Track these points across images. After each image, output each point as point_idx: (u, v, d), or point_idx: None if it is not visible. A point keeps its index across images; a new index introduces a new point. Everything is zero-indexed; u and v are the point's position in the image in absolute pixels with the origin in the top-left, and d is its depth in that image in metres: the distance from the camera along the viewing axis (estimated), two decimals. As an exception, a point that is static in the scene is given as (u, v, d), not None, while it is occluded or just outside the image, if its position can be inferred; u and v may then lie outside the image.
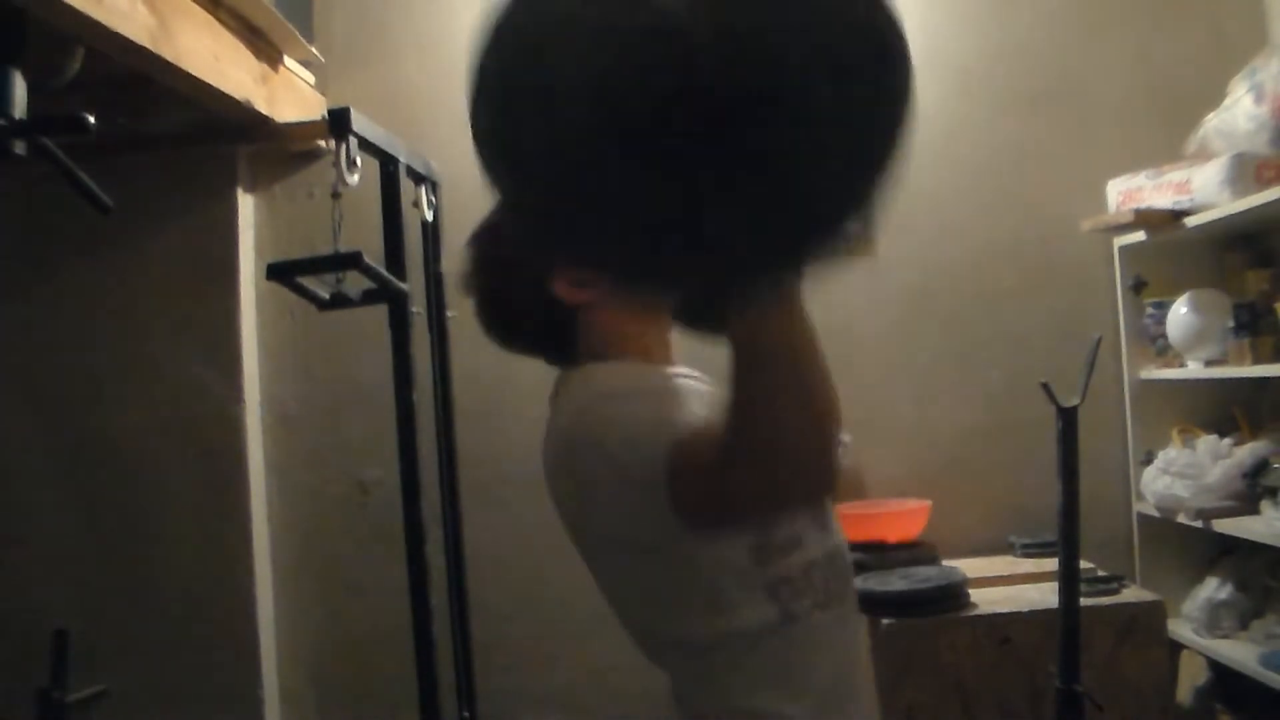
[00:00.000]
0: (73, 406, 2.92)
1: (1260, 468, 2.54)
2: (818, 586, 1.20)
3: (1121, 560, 2.87)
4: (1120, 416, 2.95)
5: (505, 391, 3.00)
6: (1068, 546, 2.07)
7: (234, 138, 2.81)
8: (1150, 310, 2.88)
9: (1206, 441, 2.72)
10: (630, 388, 1.20)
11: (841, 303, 3.02)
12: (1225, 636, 2.61)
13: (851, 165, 0.89)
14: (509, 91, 0.91)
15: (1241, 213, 2.44)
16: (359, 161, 2.34)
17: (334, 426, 3.04)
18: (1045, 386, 2.06)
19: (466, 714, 2.81)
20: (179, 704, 2.79)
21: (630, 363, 1.25)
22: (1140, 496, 2.85)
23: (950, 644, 2.39)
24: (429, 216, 2.79)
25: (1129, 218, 2.73)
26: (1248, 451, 2.61)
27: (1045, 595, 2.38)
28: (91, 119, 1.68)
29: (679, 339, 1.34)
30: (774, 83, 0.85)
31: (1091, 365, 2.07)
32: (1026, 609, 2.41)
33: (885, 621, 2.38)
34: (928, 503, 2.85)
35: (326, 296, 2.43)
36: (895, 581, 2.48)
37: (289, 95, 2.84)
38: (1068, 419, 2.06)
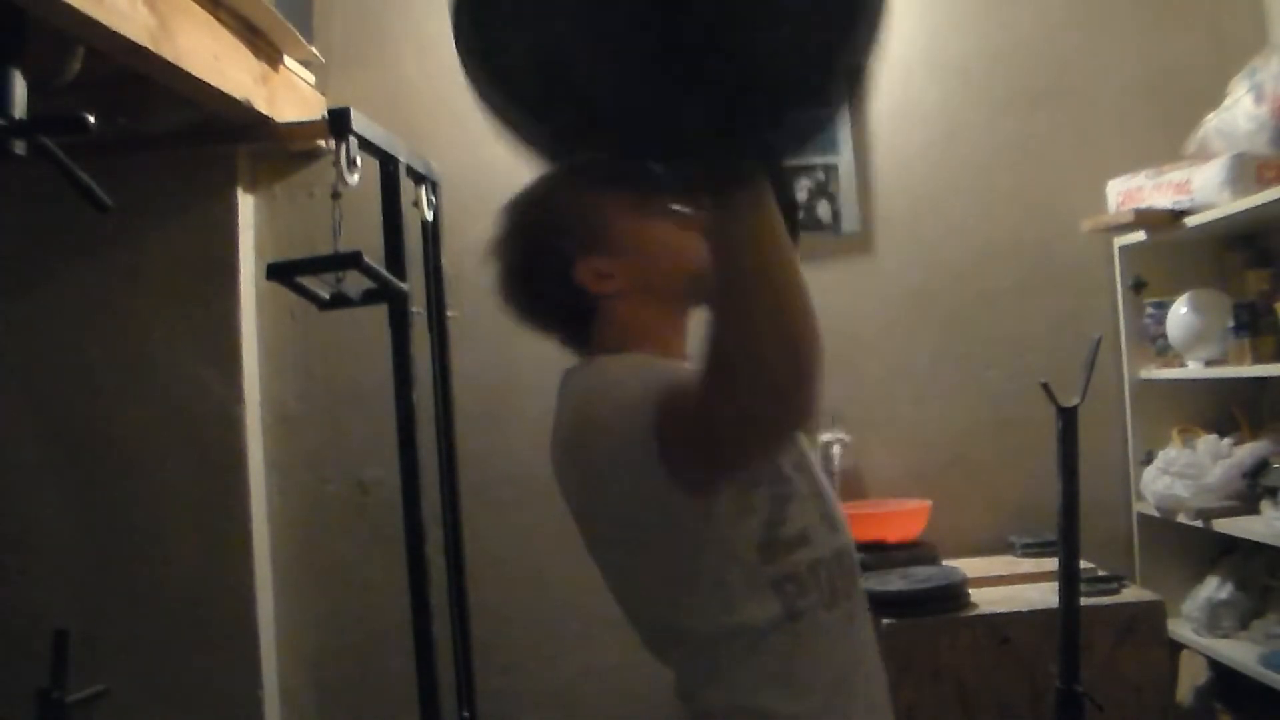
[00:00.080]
0: (72, 406, 2.92)
1: (1260, 468, 2.54)
2: (824, 585, 1.19)
3: (1121, 560, 2.87)
4: (1120, 416, 2.95)
5: (505, 391, 3.01)
6: (1068, 546, 2.07)
7: (234, 138, 2.80)
8: (1150, 310, 2.88)
9: (1206, 441, 2.72)
10: (633, 373, 1.19)
11: (842, 303, 3.03)
12: (1225, 636, 2.61)
13: (815, 44, 0.88)
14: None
15: (1241, 213, 2.44)
16: (359, 161, 2.34)
17: (334, 426, 3.04)
18: (1045, 386, 2.07)
19: (466, 714, 2.81)
20: (179, 704, 2.79)
21: (642, 355, 1.24)
22: (1140, 496, 2.85)
23: (950, 644, 2.39)
24: (429, 216, 2.80)
25: (1129, 218, 2.73)
26: (1248, 451, 2.61)
27: (1045, 595, 2.38)
28: (91, 119, 1.68)
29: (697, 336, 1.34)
30: None
31: (1091, 365, 2.07)
32: (1026, 609, 2.41)
33: (885, 621, 2.38)
34: (928, 503, 2.85)
35: (326, 296, 2.43)
36: (895, 581, 2.48)
37: (289, 95, 2.84)
38: (1068, 419, 2.06)
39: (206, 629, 2.86)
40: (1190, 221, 2.60)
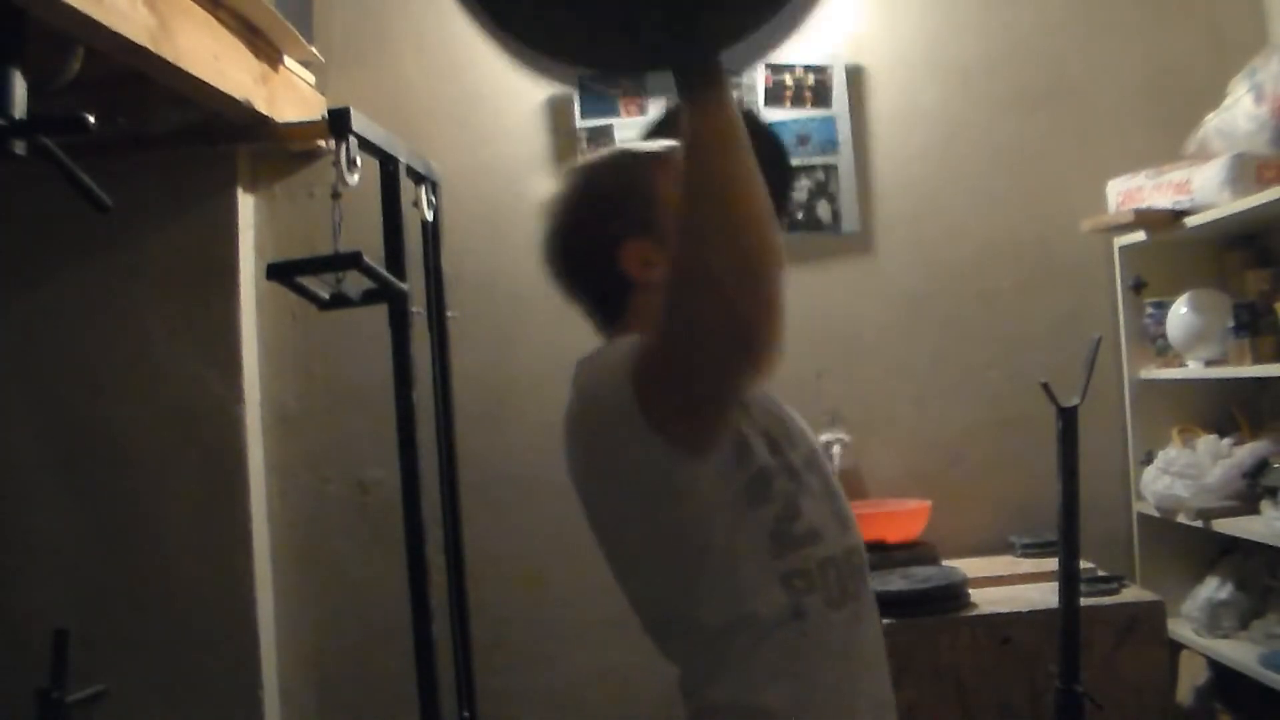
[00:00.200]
0: (73, 406, 2.92)
1: (1260, 468, 2.54)
2: (832, 584, 1.19)
3: (1121, 560, 2.87)
4: (1120, 416, 2.95)
5: (505, 391, 3.01)
6: (1068, 546, 2.07)
7: (234, 138, 2.80)
8: (1150, 310, 2.88)
9: (1206, 441, 2.72)
10: (626, 344, 1.19)
11: (842, 303, 3.03)
12: (1225, 636, 2.61)
13: None
14: None
15: (1241, 213, 2.44)
16: (359, 161, 2.34)
17: (334, 426, 3.04)
18: (1045, 386, 2.06)
19: (466, 714, 2.81)
20: (179, 704, 2.79)
21: None
22: (1140, 496, 2.85)
23: (950, 644, 2.38)
24: (429, 216, 2.80)
25: (1129, 218, 2.73)
26: (1248, 451, 2.61)
27: (1045, 595, 2.38)
28: (91, 119, 1.68)
29: None
30: None
31: (1091, 365, 2.07)
32: (1026, 609, 2.41)
33: (885, 621, 2.37)
34: (928, 503, 2.85)
35: (326, 296, 2.43)
36: (895, 581, 2.48)
37: (289, 95, 2.84)
38: (1068, 419, 2.06)
39: (206, 629, 2.86)
40: (1190, 221, 2.60)
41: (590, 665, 2.96)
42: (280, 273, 2.35)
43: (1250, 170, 2.45)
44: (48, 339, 2.93)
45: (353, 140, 2.31)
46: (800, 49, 3.01)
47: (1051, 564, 2.28)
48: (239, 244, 2.94)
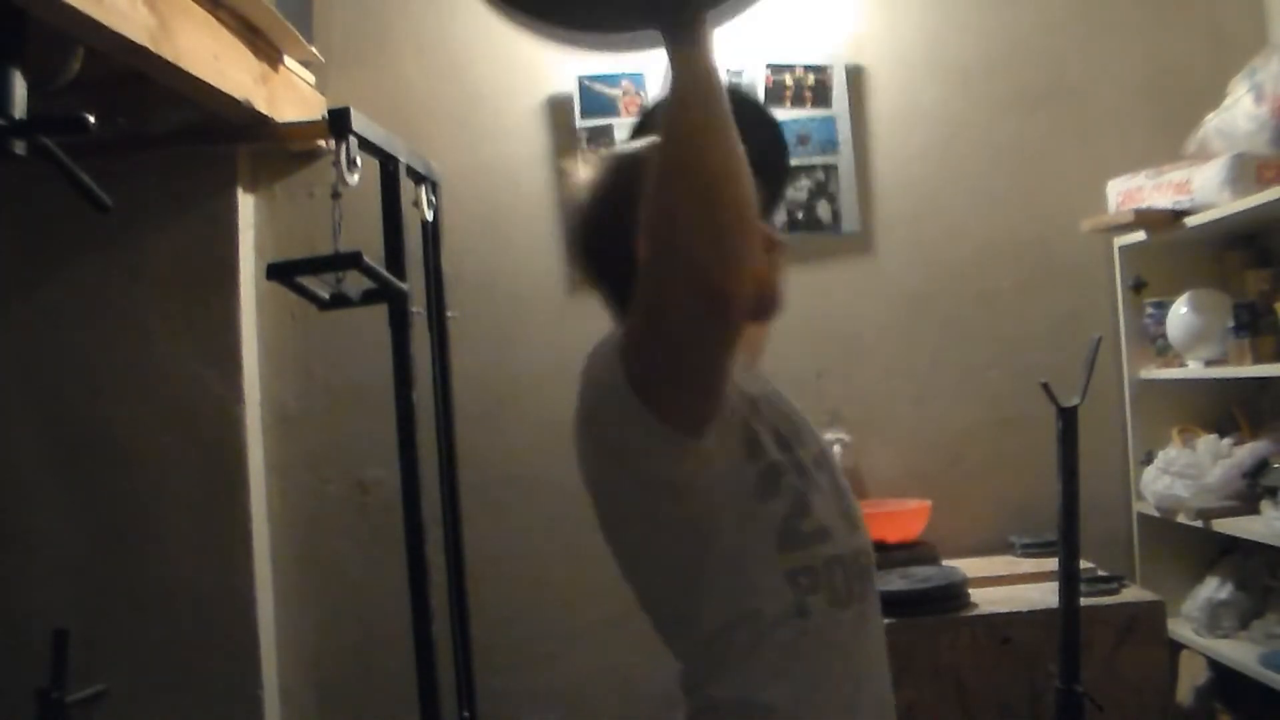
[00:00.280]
0: (73, 406, 2.92)
1: (1260, 468, 2.54)
2: (837, 583, 1.19)
3: (1121, 560, 2.87)
4: (1120, 416, 2.95)
5: (505, 391, 3.01)
6: (1068, 546, 2.07)
7: (234, 138, 2.80)
8: (1150, 310, 2.88)
9: (1206, 441, 2.72)
10: None
11: (842, 303, 3.03)
12: (1225, 636, 2.61)
13: None
14: None
15: (1241, 213, 2.44)
16: (359, 161, 2.34)
17: (334, 426, 3.04)
18: (1045, 386, 2.06)
19: (466, 714, 2.81)
20: (179, 704, 2.79)
21: None
22: (1140, 496, 2.85)
23: (950, 644, 2.39)
24: (429, 216, 2.80)
25: (1129, 218, 2.73)
26: (1248, 451, 2.61)
27: (1045, 595, 2.38)
28: (91, 119, 1.68)
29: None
30: None
31: (1091, 365, 2.07)
32: (1026, 609, 2.41)
33: (885, 621, 2.37)
34: (928, 503, 2.85)
35: (326, 296, 2.43)
36: (895, 581, 2.48)
37: (289, 95, 2.84)
38: (1068, 419, 2.06)
39: (206, 629, 2.86)
40: (1190, 221, 2.60)
41: (590, 665, 2.96)
42: (280, 273, 2.35)
43: (1250, 170, 2.45)
44: (48, 339, 2.92)
45: (353, 140, 2.31)
46: (800, 49, 3.01)
47: (1051, 564, 2.28)
48: (239, 244, 2.94)
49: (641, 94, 2.98)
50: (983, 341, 3.03)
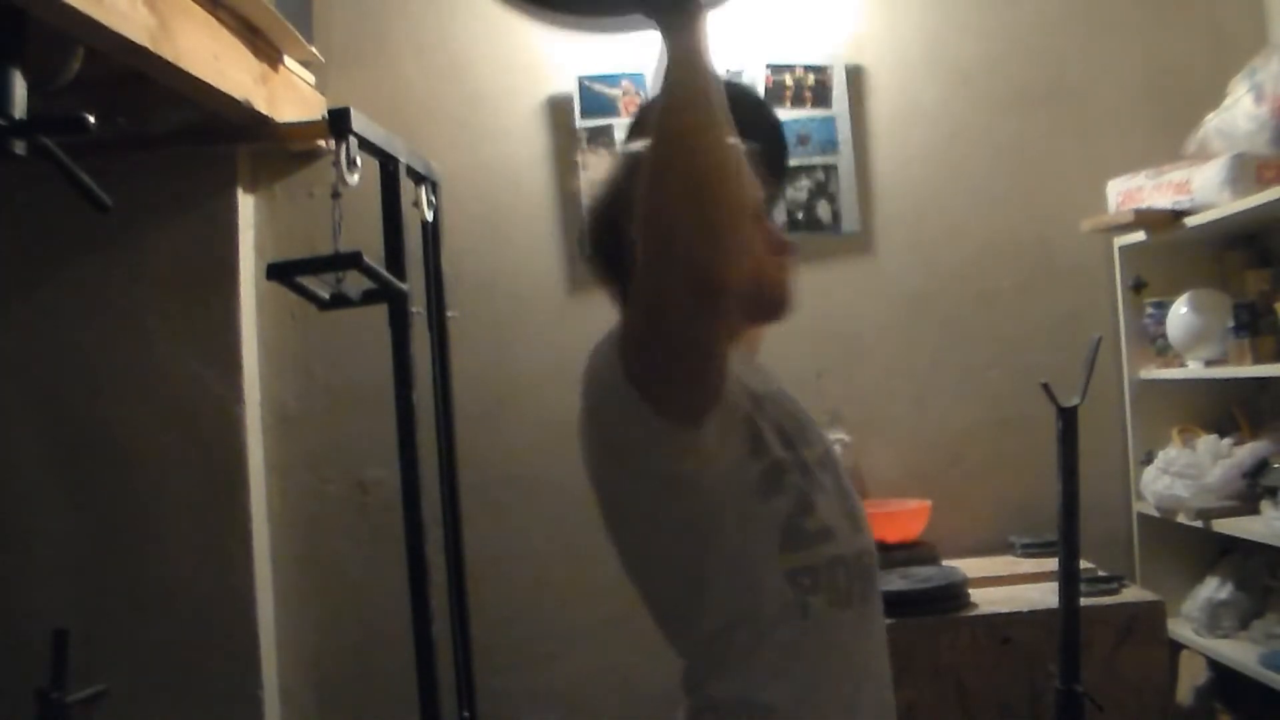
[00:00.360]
0: (73, 406, 2.92)
1: (1260, 468, 2.54)
2: (839, 584, 1.19)
3: (1121, 560, 2.87)
4: (1120, 416, 2.95)
5: (505, 391, 3.01)
6: (1068, 546, 2.07)
7: (234, 138, 2.80)
8: (1150, 310, 2.88)
9: (1206, 441, 2.72)
10: None
11: (842, 303, 3.03)
12: (1225, 636, 2.61)
13: None
14: None
15: (1241, 213, 2.44)
16: (359, 161, 2.34)
17: (334, 426, 3.04)
18: (1045, 386, 2.06)
19: (466, 714, 2.81)
20: (179, 704, 2.79)
21: None
22: (1140, 496, 2.85)
23: (950, 644, 2.39)
24: (429, 216, 2.80)
25: (1129, 218, 2.73)
26: (1248, 451, 2.61)
27: (1045, 595, 2.38)
28: (91, 119, 1.68)
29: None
30: None
31: (1091, 365, 2.07)
32: (1026, 609, 2.41)
33: (886, 621, 2.38)
34: (928, 503, 2.85)
35: (326, 296, 2.43)
36: (895, 581, 2.48)
37: (289, 95, 2.84)
38: (1068, 419, 2.06)
39: (206, 629, 2.86)
40: (1190, 221, 2.60)
41: (590, 665, 2.96)
42: (280, 273, 2.35)
43: (1250, 170, 2.45)
44: (48, 339, 2.92)
45: (353, 140, 2.31)
46: (800, 49, 3.01)
47: (1051, 564, 2.28)
48: (239, 244, 2.94)
49: (641, 94, 2.98)
50: (983, 341, 3.03)
